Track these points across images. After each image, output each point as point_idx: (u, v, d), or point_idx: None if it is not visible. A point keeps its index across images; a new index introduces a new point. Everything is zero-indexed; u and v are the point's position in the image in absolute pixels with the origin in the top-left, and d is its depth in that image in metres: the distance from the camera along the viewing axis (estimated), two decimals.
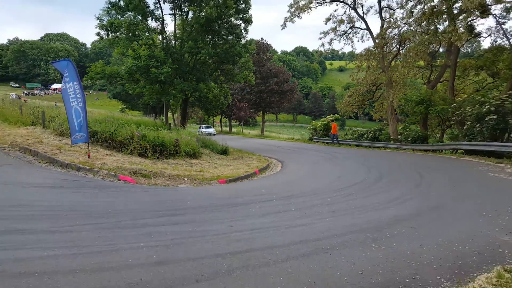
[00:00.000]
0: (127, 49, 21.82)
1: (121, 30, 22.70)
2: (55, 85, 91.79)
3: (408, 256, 4.30)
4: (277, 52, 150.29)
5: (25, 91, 76.37)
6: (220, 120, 58.01)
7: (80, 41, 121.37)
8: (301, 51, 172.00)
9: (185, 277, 3.63)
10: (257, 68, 41.59)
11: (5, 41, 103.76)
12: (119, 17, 23.21)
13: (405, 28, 24.64)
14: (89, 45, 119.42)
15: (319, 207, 7.23)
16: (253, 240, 4.98)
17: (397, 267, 3.96)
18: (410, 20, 23.10)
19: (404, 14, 24.77)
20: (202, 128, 44.80)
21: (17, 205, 6.10)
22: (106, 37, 23.55)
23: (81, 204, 6.53)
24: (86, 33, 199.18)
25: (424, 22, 21.58)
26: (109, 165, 10.50)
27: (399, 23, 24.68)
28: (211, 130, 44.86)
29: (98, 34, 23.44)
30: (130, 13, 23.14)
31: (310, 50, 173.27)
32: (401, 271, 3.86)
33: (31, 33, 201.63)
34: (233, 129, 57.16)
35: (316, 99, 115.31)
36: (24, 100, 37.95)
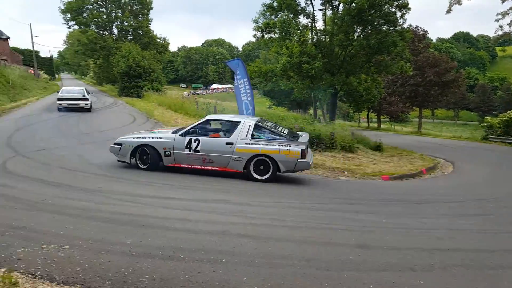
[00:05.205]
0: (281, 48, 23.01)
1: (275, 30, 23.99)
2: (214, 85, 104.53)
3: None
4: (431, 40, 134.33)
5: (192, 91, 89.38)
6: (368, 115, 55.64)
7: (233, 45, 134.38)
8: (461, 37, 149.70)
9: (395, 264, 3.50)
10: (411, 58, 38.21)
11: (175, 49, 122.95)
12: (273, 18, 24.55)
13: None
14: (240, 48, 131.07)
15: None
16: (457, 240, 4.50)
17: None
18: None
19: None
20: None
21: (209, 182, 7.12)
22: (261, 38, 25.24)
23: (261, 185, 7.14)
24: (238, 37, 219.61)
25: None
26: None
27: None
28: None
29: (254, 36, 25.32)
30: (282, 12, 24.19)
31: (474, 35, 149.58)
32: None
33: (194, 40, 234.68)
34: (382, 125, 54.18)
35: (484, 92, 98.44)
36: (194, 97, 43.98)
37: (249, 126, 7.49)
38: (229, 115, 10.03)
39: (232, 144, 7.33)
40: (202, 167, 7.58)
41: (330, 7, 24.37)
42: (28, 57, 52.60)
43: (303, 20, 24.62)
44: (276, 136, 7.45)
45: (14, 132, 11.41)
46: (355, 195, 7.41)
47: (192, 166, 7.60)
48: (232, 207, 5.39)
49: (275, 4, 23.79)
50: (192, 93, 75.60)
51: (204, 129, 7.91)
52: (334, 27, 23.23)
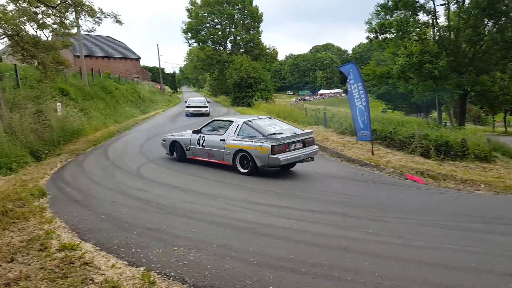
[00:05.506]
0: (398, 48, 21.74)
1: (391, 30, 22.79)
2: (321, 91, 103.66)
3: None
4: None
5: (299, 98, 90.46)
6: (504, 118, 48.31)
7: (342, 49, 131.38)
8: None
9: None
10: None
11: (283, 58, 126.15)
12: (388, 18, 23.36)
13: None
14: (350, 51, 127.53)
15: None
16: None
17: None
18: None
19: None
20: None
21: (325, 191, 6.95)
22: (375, 39, 24.24)
23: (382, 197, 6.67)
24: (348, 40, 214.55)
25: None
26: (394, 163, 10.42)
27: None
28: None
29: (367, 37, 24.49)
30: (399, 11, 22.85)
31: None
32: None
33: (302, 47, 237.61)
34: None
35: None
36: (302, 104, 44.36)
37: (238, 125, 8.51)
38: (229, 116, 11.23)
39: (224, 140, 8.51)
40: (209, 159, 8.95)
41: (455, 1, 22.23)
42: (155, 74, 59.95)
43: (422, 17, 22.96)
44: (257, 133, 8.07)
45: (145, 141, 12.98)
46: (497, 213, 6.36)
47: (203, 159, 9.10)
48: (351, 221, 5.13)
49: (390, 3, 22.63)
50: (299, 100, 76.34)
51: (211, 128, 9.34)
52: (459, 22, 21.10)
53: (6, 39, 12.31)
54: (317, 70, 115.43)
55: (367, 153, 11.44)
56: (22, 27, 12.70)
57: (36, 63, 12.75)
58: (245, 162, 8.16)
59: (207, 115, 23.34)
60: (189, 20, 46.54)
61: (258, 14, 46.05)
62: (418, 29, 21.99)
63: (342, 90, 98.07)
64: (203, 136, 9.05)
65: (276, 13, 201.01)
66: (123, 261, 3.73)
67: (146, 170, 8.65)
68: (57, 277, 3.34)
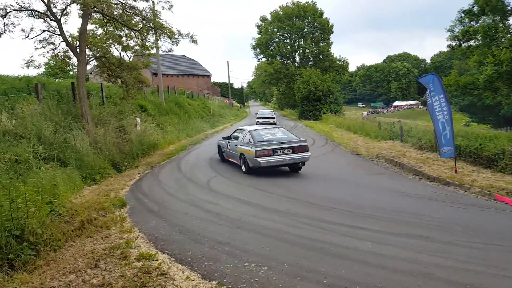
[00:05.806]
0: (485, 56, 20.07)
1: (476, 37, 21.17)
2: (396, 103, 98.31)
3: None
4: None
5: (371, 110, 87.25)
6: None
7: (420, 58, 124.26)
8: None
9: None
10: None
11: (354, 69, 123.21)
12: (473, 24, 21.75)
13: None
14: (428, 60, 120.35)
15: None
16: None
17: None
18: None
19: None
20: None
21: (402, 211, 6.52)
22: (457, 48, 22.71)
23: (468, 220, 6.10)
24: (425, 49, 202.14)
25: None
26: (480, 183, 9.48)
27: None
28: None
29: (449, 46, 23.01)
30: (485, 17, 21.15)
31: None
32: None
33: (374, 57, 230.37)
34: None
35: None
36: (374, 116, 42.65)
37: (246, 133, 10.54)
38: (246, 126, 12.61)
39: (237, 145, 10.62)
40: (232, 160, 11.19)
41: None
42: (225, 89, 62.39)
43: None
44: (252, 140, 9.88)
45: (214, 155, 13.43)
46: None
47: (230, 159, 11.43)
48: (434, 246, 4.74)
49: (475, 8, 21.05)
50: (371, 112, 73.69)
51: (235, 135, 11.36)
52: None
53: (94, 60, 13.70)
54: (391, 80, 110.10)
55: (449, 170, 10.61)
56: (108, 49, 14.09)
57: (120, 82, 13.99)
58: (245, 163, 10.01)
59: (274, 124, 25.29)
60: (259, 36, 47.95)
61: (329, 26, 45.76)
62: (508, 35, 20.12)
63: (419, 102, 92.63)
64: (229, 142, 11.36)
65: (346, 23, 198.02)
66: (197, 274, 3.86)
67: (215, 183, 8.95)
68: (135, 285, 3.56)
